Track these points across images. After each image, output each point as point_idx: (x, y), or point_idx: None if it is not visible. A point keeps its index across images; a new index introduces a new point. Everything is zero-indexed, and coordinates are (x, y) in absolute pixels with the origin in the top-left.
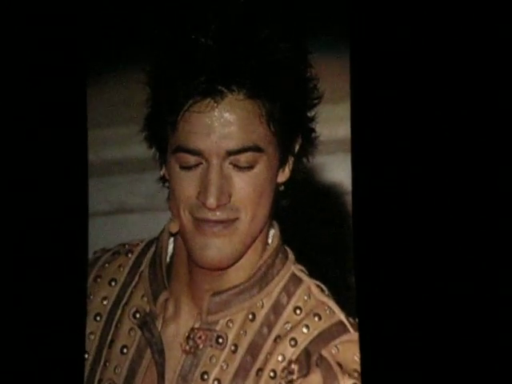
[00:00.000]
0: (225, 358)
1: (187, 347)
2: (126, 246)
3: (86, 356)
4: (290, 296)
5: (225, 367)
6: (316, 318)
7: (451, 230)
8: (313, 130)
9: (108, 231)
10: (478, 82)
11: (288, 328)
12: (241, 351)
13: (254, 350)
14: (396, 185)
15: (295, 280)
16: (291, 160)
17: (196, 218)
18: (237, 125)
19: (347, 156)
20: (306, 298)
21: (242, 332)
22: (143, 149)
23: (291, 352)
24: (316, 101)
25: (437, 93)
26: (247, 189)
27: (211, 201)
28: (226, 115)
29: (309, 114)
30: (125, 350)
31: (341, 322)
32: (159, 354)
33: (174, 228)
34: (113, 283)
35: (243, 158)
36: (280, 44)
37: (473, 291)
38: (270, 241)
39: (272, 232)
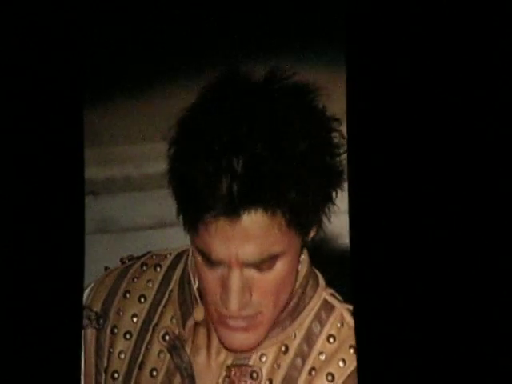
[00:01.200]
0: None
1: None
2: (154, 258)
3: (116, 375)
4: (322, 324)
5: None
6: (351, 351)
7: (446, 222)
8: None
9: (104, 249)
10: (473, 82)
11: (323, 359)
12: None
13: (288, 383)
14: (393, 186)
15: (327, 307)
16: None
17: (220, 313)
18: (255, 240)
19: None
20: (339, 325)
21: (275, 366)
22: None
23: None
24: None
25: (437, 105)
26: (269, 286)
27: (233, 308)
28: (244, 231)
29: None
30: (154, 373)
31: None
32: (189, 380)
33: (199, 316)
34: (142, 299)
35: (264, 265)
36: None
37: (469, 283)
38: (299, 267)
39: (301, 257)
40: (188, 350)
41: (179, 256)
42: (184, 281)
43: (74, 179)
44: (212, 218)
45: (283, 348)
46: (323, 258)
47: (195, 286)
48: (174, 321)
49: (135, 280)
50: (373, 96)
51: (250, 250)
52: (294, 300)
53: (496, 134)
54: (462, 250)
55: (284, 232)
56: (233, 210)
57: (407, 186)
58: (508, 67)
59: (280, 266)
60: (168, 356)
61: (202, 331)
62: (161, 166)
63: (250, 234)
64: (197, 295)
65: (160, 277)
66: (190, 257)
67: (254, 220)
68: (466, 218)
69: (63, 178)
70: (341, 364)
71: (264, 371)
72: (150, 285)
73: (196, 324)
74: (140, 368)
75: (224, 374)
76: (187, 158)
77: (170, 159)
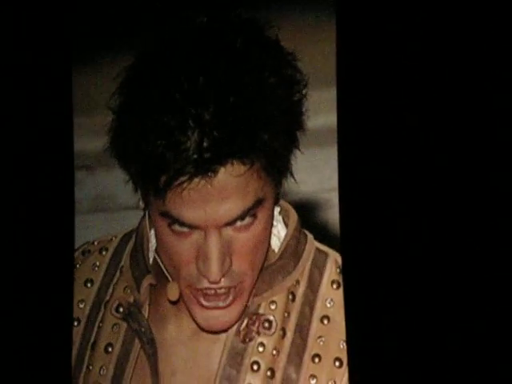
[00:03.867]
0: (274, 344)
1: (243, 337)
2: (96, 243)
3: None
4: (321, 271)
5: (276, 354)
6: None
7: (437, 195)
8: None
9: (93, 227)
10: (469, 67)
11: (330, 305)
12: (289, 335)
13: (301, 332)
14: (385, 175)
15: (322, 254)
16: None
17: (196, 288)
18: (233, 195)
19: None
20: (338, 270)
21: (286, 314)
22: None
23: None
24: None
25: (434, 65)
26: (248, 247)
27: (214, 276)
28: (221, 187)
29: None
30: (110, 349)
31: None
32: (150, 344)
33: (174, 295)
34: (89, 284)
35: (243, 221)
36: (273, 94)
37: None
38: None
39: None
40: (146, 313)
41: (127, 236)
42: (137, 249)
43: (63, 152)
44: (184, 181)
45: (290, 296)
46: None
47: (152, 248)
48: (128, 290)
49: (77, 266)
50: (364, 54)
51: (229, 208)
52: (292, 244)
53: (491, 129)
54: (450, 224)
55: (262, 182)
56: (207, 169)
57: (399, 156)
58: (503, 62)
59: (259, 220)
60: (124, 327)
61: (163, 298)
62: None
63: (229, 189)
64: (155, 257)
65: (107, 259)
66: (146, 223)
67: (231, 174)
68: (454, 198)
69: (50, 150)
70: None
71: (277, 318)
72: (96, 268)
73: (152, 286)
74: (93, 348)
75: (244, 321)
76: (143, 117)
77: (119, 123)
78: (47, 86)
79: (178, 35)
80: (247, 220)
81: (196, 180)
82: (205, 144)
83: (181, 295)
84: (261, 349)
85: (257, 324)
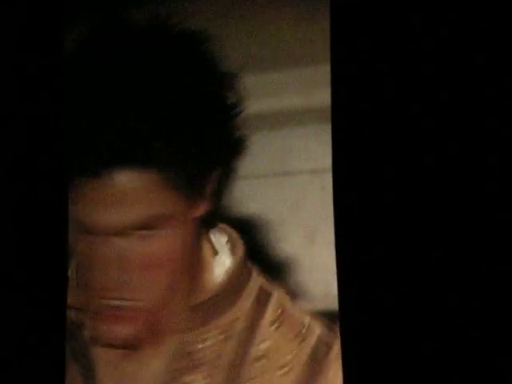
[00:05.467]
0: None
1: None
2: None
3: None
4: (263, 310)
5: None
6: (298, 340)
7: (433, 194)
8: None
9: None
10: (465, 56)
11: (265, 347)
12: (218, 376)
13: (231, 372)
14: (381, 165)
15: (265, 293)
16: (208, 195)
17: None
18: (130, 202)
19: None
20: (280, 311)
21: (218, 353)
22: None
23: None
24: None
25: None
26: (146, 259)
27: (105, 283)
28: (118, 193)
29: (225, 151)
30: None
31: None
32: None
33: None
34: None
35: (141, 232)
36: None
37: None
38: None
39: (220, 239)
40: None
41: None
42: None
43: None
44: (81, 181)
45: (225, 335)
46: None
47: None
48: None
49: None
50: (359, 31)
51: (121, 215)
52: (234, 279)
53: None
54: (442, 213)
55: (163, 197)
56: (101, 171)
57: (394, 132)
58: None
59: (160, 237)
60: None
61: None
62: None
63: (123, 197)
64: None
65: None
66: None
67: (127, 181)
68: (449, 178)
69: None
70: (289, 356)
71: (207, 357)
72: None
73: None
74: None
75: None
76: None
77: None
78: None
79: (115, 32)
80: (144, 232)
81: (92, 181)
82: (104, 147)
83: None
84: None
85: (186, 363)
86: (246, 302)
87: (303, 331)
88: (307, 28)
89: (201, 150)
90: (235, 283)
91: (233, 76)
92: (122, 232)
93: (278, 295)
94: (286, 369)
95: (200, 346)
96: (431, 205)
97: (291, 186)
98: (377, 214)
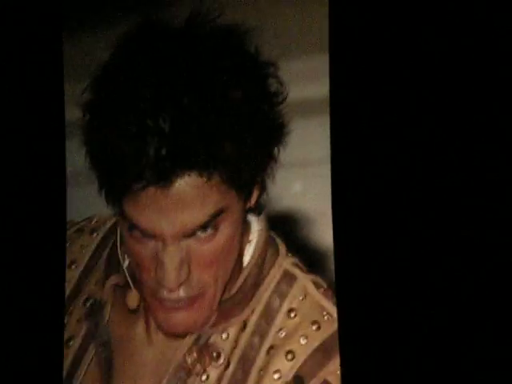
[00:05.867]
0: (219, 375)
1: (192, 367)
2: (93, 222)
3: None
4: (282, 298)
5: None
6: (314, 327)
7: (433, 186)
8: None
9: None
10: (466, 45)
11: (282, 336)
12: (232, 367)
13: (245, 364)
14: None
15: (288, 278)
16: (258, 186)
17: (156, 298)
18: (190, 206)
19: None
20: (301, 298)
21: (234, 344)
22: None
23: (288, 367)
24: (280, 131)
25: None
26: (209, 259)
27: (170, 284)
28: (178, 198)
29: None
30: (70, 342)
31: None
32: (104, 347)
33: (133, 304)
34: (73, 266)
35: (204, 233)
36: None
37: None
38: (251, 237)
39: (256, 226)
40: (107, 314)
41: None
42: (114, 244)
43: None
44: (140, 188)
45: (242, 325)
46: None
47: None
48: (98, 284)
49: (67, 246)
50: (358, 28)
51: (186, 219)
52: (253, 272)
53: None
54: (442, 205)
55: (223, 193)
56: (163, 177)
57: (392, 123)
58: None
59: (220, 234)
60: (85, 323)
61: (132, 297)
62: None
63: (185, 201)
64: (121, 261)
65: (96, 242)
66: (118, 229)
67: (187, 185)
68: (449, 169)
69: (41, 119)
70: (302, 341)
71: (226, 350)
72: (84, 250)
73: (117, 286)
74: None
75: (184, 351)
76: (106, 122)
77: (87, 127)
78: (38, 53)
79: (151, 37)
80: (208, 232)
81: (152, 189)
82: (163, 153)
83: (143, 302)
84: (204, 377)
85: (206, 357)
86: (263, 294)
87: (322, 319)
88: (305, 17)
89: (253, 141)
90: (254, 279)
91: (273, 63)
92: (189, 234)
93: (303, 280)
94: (294, 354)
95: (220, 339)
96: (432, 195)
97: (295, 177)
98: (376, 206)
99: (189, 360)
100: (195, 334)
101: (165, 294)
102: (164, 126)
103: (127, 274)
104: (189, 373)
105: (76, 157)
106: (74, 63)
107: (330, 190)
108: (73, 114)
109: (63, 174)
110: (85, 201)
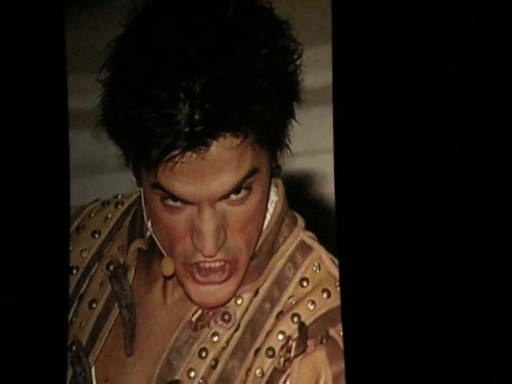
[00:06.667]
0: (228, 337)
1: (197, 324)
2: (119, 197)
3: None
4: (296, 267)
5: (225, 346)
6: (325, 295)
7: (434, 174)
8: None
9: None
10: (465, 44)
11: (293, 302)
12: (241, 330)
13: (254, 327)
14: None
15: (304, 248)
16: (283, 145)
17: (191, 263)
18: (227, 168)
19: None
20: (315, 268)
21: (246, 309)
22: None
23: (293, 329)
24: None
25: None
26: (242, 222)
27: (209, 250)
28: (214, 161)
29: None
30: (93, 305)
31: None
32: (128, 309)
33: (169, 271)
34: (96, 235)
35: (238, 195)
36: (265, 68)
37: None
38: (269, 207)
39: (274, 196)
40: (130, 277)
41: None
42: (138, 212)
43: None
44: (177, 154)
45: (255, 291)
46: (306, 201)
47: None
48: (121, 250)
49: (91, 215)
50: (360, 18)
51: (223, 181)
52: (269, 239)
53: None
54: (445, 207)
55: (256, 153)
56: (199, 142)
57: (397, 124)
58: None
59: (254, 192)
60: (109, 286)
61: (154, 262)
62: None
63: (222, 163)
64: (148, 225)
65: (119, 213)
66: (142, 199)
67: (223, 147)
68: (451, 165)
69: (44, 109)
70: (310, 306)
71: (237, 314)
72: (108, 221)
73: (142, 251)
74: (80, 301)
75: (194, 310)
76: (133, 90)
77: (109, 96)
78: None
79: (168, 3)
80: (242, 193)
81: (188, 154)
82: (196, 117)
83: (175, 271)
84: (215, 338)
85: (216, 314)
86: (276, 262)
87: (333, 289)
88: (308, 7)
89: (279, 97)
90: (269, 245)
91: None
92: (224, 196)
93: (318, 252)
94: (300, 318)
95: (234, 304)
96: (434, 189)
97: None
98: (379, 195)
99: (194, 318)
100: None
101: (201, 258)
102: (195, 89)
103: (159, 245)
104: (195, 330)
105: (80, 147)
106: (77, 54)
107: (333, 179)
108: (76, 103)
109: (67, 164)
110: (88, 191)
